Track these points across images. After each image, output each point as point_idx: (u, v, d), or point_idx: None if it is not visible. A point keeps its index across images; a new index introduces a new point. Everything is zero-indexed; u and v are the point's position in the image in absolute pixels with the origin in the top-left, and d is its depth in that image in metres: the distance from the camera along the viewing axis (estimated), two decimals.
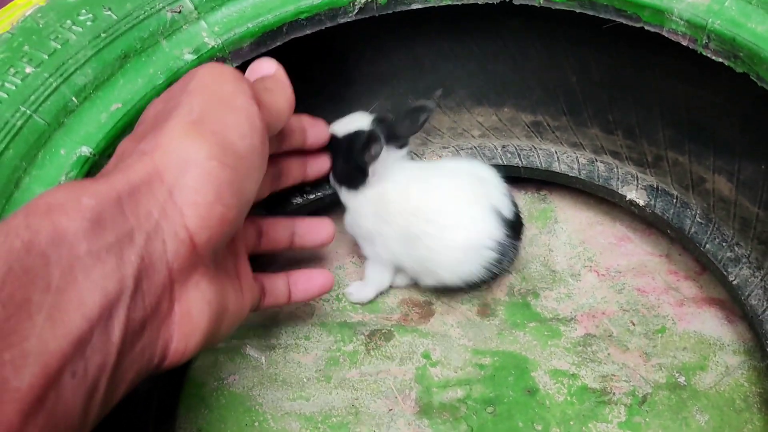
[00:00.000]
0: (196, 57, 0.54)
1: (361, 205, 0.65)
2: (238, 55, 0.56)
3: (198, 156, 0.37)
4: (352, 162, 0.62)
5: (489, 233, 0.61)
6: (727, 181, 0.67)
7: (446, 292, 0.69)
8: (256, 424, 0.62)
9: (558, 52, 0.71)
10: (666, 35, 0.56)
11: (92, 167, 0.48)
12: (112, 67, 0.52)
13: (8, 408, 0.27)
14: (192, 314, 0.39)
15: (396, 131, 0.63)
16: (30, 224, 0.31)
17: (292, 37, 0.59)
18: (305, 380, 0.64)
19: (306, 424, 0.62)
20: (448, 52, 0.75)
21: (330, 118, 0.76)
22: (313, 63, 0.69)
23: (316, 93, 0.75)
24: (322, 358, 0.66)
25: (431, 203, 0.62)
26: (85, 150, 0.48)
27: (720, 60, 0.53)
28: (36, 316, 0.29)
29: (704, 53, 0.54)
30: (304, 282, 0.60)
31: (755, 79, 0.52)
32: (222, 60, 0.55)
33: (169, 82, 0.53)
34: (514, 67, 0.75)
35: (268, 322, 0.68)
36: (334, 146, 0.63)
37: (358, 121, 0.64)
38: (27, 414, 0.28)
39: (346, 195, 0.65)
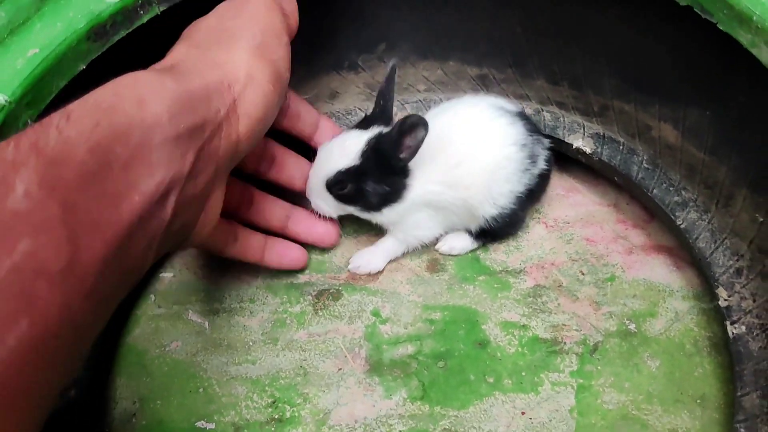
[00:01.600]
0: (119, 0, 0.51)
1: (406, 209, 0.61)
2: None
3: (262, 77, 0.43)
4: (387, 169, 0.58)
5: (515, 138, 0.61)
6: (672, 129, 0.66)
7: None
8: (201, 390, 0.60)
9: (503, 3, 0.69)
10: None
11: (8, 116, 0.45)
12: (27, 10, 0.49)
13: (95, 238, 0.31)
14: (214, 207, 0.44)
15: (388, 114, 0.60)
16: (117, 92, 0.35)
17: None
18: (251, 343, 0.62)
19: (253, 388, 0.60)
20: (391, 5, 0.73)
21: None
22: None
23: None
24: (269, 321, 0.64)
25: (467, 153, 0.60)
26: (1, 98, 0.45)
27: None
28: (114, 165, 0.33)
29: None
30: (280, 249, 0.62)
31: (699, 11, 0.51)
32: (148, 3, 0.52)
33: (90, 27, 0.49)
34: (459, 19, 0.73)
35: (212, 287, 0.66)
36: (353, 174, 0.58)
37: (353, 142, 0.58)
38: (110, 247, 0.32)
39: (387, 213, 0.61)
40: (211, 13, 0.49)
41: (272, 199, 0.62)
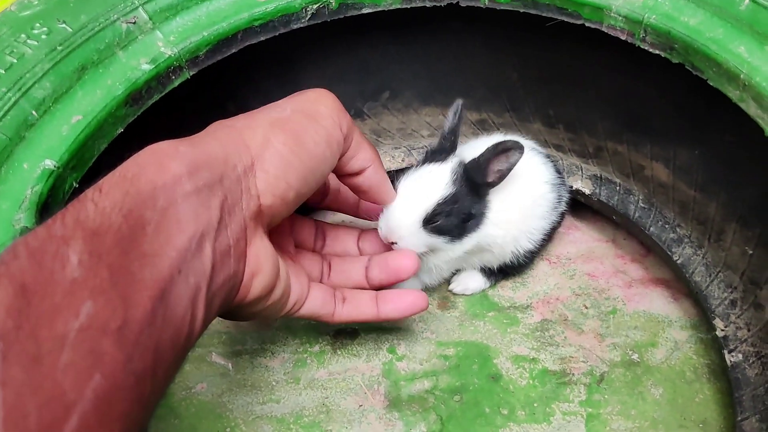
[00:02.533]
0: (153, 67, 0.54)
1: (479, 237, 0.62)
2: (195, 63, 0.57)
3: (276, 140, 0.44)
4: (475, 196, 0.60)
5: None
6: (664, 167, 0.71)
7: None
8: (228, 430, 0.62)
9: (499, 51, 0.74)
10: (605, 30, 0.59)
11: (57, 180, 0.48)
12: (70, 79, 0.52)
13: (141, 295, 0.34)
14: (260, 258, 0.46)
15: (452, 146, 0.62)
16: (139, 162, 0.38)
17: (247, 44, 0.60)
18: (274, 383, 0.65)
19: (278, 426, 0.62)
20: (394, 55, 0.77)
21: None
22: (261, 68, 0.70)
23: (264, 100, 0.76)
24: (290, 361, 0.67)
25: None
26: (49, 163, 0.48)
27: (657, 52, 0.57)
28: (147, 228, 0.36)
29: (642, 46, 0.57)
30: (394, 299, 0.59)
31: (690, 69, 0.55)
32: (179, 69, 0.56)
33: (128, 93, 0.53)
34: (457, 67, 0.77)
35: (232, 329, 0.69)
36: (450, 203, 0.58)
37: (435, 176, 0.59)
38: (154, 301, 0.35)
39: (467, 241, 0.62)
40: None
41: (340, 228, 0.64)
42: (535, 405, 0.62)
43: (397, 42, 0.75)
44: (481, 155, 0.58)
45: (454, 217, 0.59)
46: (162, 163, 0.39)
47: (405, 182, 0.59)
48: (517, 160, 0.57)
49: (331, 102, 0.50)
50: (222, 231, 0.42)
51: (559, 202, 0.67)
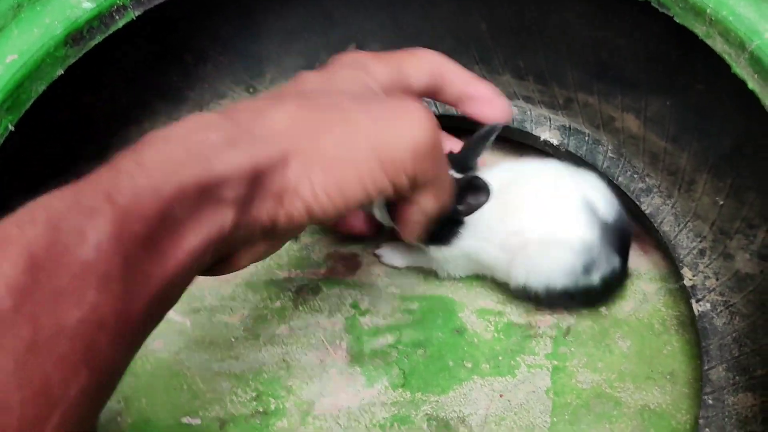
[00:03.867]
0: (94, 5, 0.51)
1: (452, 253, 0.60)
2: (140, 2, 0.54)
3: (316, 179, 0.38)
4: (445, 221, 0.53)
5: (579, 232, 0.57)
6: (635, 118, 0.69)
7: (372, 242, 0.68)
8: (185, 387, 0.61)
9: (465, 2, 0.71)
10: None
11: None
12: (4, 17, 0.49)
13: (144, 292, 0.31)
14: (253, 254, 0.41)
15: (467, 162, 0.55)
16: (188, 148, 0.34)
17: None
18: (233, 340, 0.63)
19: (237, 383, 0.61)
20: (358, 4, 0.74)
21: (240, 76, 0.75)
22: (219, 18, 0.68)
23: (223, 50, 0.74)
24: (250, 317, 0.65)
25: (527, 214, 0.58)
26: None
27: None
28: (170, 223, 0.32)
29: None
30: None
31: (656, 6, 0.53)
32: (123, 8, 0.53)
33: (68, 33, 0.50)
34: (423, 17, 0.75)
35: (192, 286, 0.67)
36: None
37: None
38: (153, 300, 0.32)
39: (434, 250, 0.60)
40: (349, 78, 0.44)
41: None
42: (500, 358, 0.61)
43: None
44: (460, 179, 0.52)
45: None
46: (210, 158, 0.34)
47: None
48: (483, 204, 0.52)
49: (419, 134, 0.39)
50: (234, 232, 0.37)
51: (590, 270, 0.58)
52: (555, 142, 0.68)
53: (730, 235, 0.60)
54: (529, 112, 0.71)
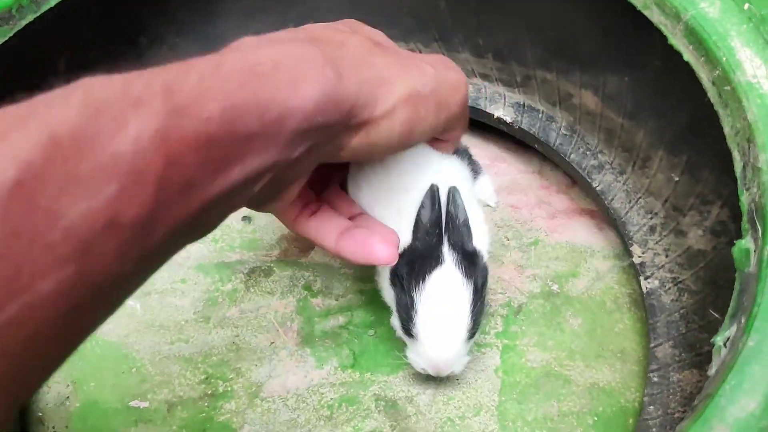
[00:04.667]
0: None
1: None
2: None
3: (398, 121, 0.39)
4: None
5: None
6: (593, 95, 0.68)
7: None
8: (134, 370, 0.60)
9: None
10: None
11: None
12: None
13: (169, 214, 0.28)
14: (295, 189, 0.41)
15: None
16: (277, 61, 0.32)
17: None
18: (183, 323, 0.63)
19: (186, 365, 0.60)
20: None
21: None
22: (176, 1, 0.67)
23: (179, 32, 0.73)
24: (200, 300, 0.64)
25: None
26: None
27: None
28: (235, 135, 0.30)
29: None
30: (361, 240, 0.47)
31: None
32: None
33: None
34: None
35: None
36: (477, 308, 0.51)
37: (452, 281, 0.50)
38: (195, 216, 0.29)
39: None
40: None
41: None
42: None
43: None
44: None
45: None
46: (298, 79, 0.32)
47: (424, 308, 0.50)
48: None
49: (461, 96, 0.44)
50: (290, 169, 0.35)
51: None
52: (508, 119, 0.68)
53: (683, 212, 0.60)
54: (484, 90, 0.70)
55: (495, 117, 0.68)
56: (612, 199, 0.61)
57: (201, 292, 0.65)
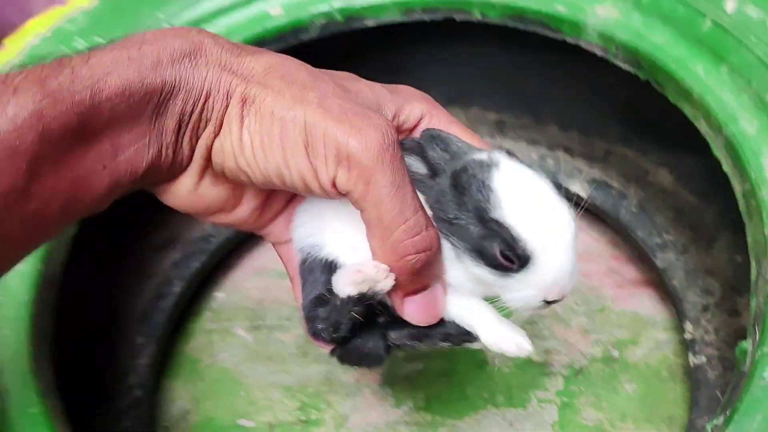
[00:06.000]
0: None
1: None
2: None
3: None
4: None
5: None
6: (668, 173, 0.73)
7: None
8: (243, 394, 0.72)
9: (519, 59, 0.77)
10: (583, 46, 0.62)
11: None
12: None
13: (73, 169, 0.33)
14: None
15: None
16: (143, 50, 0.35)
17: None
18: (286, 356, 0.74)
19: (286, 393, 0.71)
20: (423, 58, 0.82)
21: None
22: None
23: None
24: (302, 337, 0.75)
25: None
26: None
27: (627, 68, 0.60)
28: (90, 129, 0.33)
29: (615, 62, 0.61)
30: None
31: (655, 86, 0.58)
32: None
33: None
34: (481, 72, 0.81)
35: (257, 307, 0.78)
36: None
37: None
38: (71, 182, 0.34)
39: None
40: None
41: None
42: (514, 391, 0.68)
43: (425, 47, 0.80)
44: None
45: None
46: (159, 61, 0.35)
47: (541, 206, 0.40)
48: None
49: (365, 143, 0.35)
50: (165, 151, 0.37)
51: None
52: (583, 194, 0.74)
53: (741, 293, 0.64)
54: (564, 164, 0.77)
55: (571, 191, 0.74)
56: (672, 278, 0.67)
57: (302, 329, 0.75)
